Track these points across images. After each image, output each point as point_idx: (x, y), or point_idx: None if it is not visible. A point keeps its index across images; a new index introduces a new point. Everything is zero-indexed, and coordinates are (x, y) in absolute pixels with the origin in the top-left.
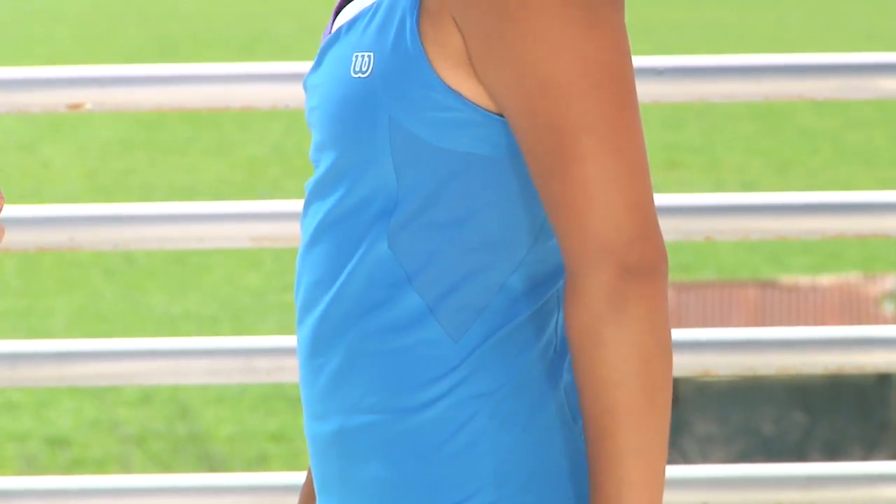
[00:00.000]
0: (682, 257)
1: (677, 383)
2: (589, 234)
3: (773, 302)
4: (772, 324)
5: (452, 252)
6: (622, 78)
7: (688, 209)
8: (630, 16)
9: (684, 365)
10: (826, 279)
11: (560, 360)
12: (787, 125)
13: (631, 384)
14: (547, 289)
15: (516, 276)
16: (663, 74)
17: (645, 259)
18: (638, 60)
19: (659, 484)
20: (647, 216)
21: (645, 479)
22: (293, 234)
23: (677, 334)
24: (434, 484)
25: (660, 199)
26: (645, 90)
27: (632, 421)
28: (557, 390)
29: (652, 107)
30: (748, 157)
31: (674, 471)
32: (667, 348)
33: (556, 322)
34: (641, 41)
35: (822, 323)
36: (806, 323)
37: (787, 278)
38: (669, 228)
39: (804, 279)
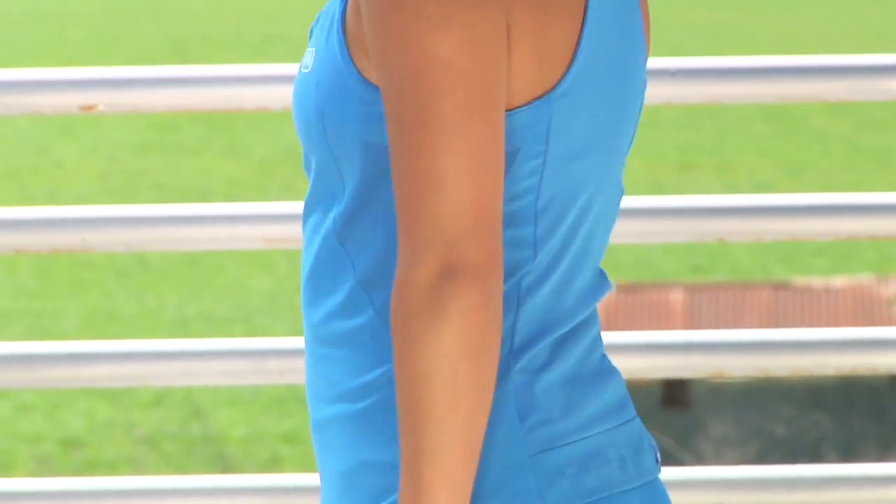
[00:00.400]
0: (694, 259)
1: (691, 384)
2: (416, 230)
3: (786, 303)
4: (785, 325)
5: (390, 245)
6: (469, 79)
7: (701, 210)
8: None
9: (697, 366)
10: (839, 281)
11: (513, 359)
12: (801, 127)
13: (433, 383)
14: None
15: None
16: (676, 76)
17: (467, 260)
18: (652, 62)
19: (456, 487)
20: (475, 219)
21: (439, 482)
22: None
23: (690, 335)
24: (379, 470)
25: (673, 200)
26: (658, 91)
27: (430, 420)
28: (502, 389)
29: (665, 108)
30: (761, 159)
31: (688, 472)
32: (481, 352)
33: (514, 321)
34: (655, 42)
35: (836, 324)
36: (819, 324)
37: (800, 280)
38: (682, 230)
39: (817, 281)
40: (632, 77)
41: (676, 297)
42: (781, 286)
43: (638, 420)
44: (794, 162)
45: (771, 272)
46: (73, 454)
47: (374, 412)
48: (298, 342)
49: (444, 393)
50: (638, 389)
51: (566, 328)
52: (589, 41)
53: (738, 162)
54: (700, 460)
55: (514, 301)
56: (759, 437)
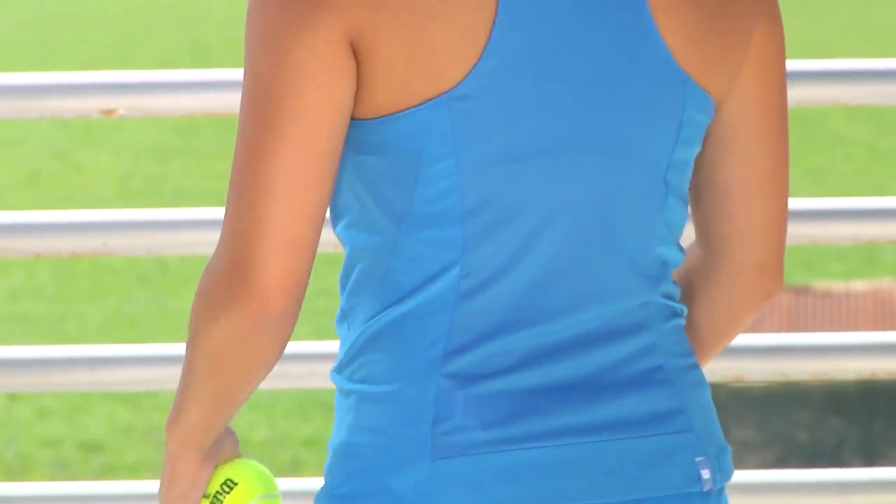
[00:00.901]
0: None
1: (712, 389)
2: (223, 225)
3: (806, 308)
4: (805, 329)
5: (350, 248)
6: (271, 98)
7: None
8: None
9: (718, 370)
10: (859, 285)
11: (440, 363)
12: (820, 131)
13: (193, 358)
14: (429, 284)
15: (387, 270)
16: None
17: (248, 278)
18: None
19: (197, 429)
20: (262, 240)
21: (186, 420)
22: (326, 239)
23: None
24: (330, 465)
25: None
26: None
27: (187, 384)
28: (423, 392)
29: None
30: None
31: None
32: (242, 359)
33: (448, 323)
34: None
35: (856, 328)
36: (839, 328)
37: (820, 284)
38: None
39: (837, 285)
40: (614, 69)
41: None
42: (801, 291)
43: (626, 442)
44: (814, 166)
45: (791, 277)
46: (93, 458)
47: (342, 409)
48: (319, 346)
49: (200, 372)
50: None
51: (515, 341)
52: (504, 40)
53: None
54: None
55: (448, 302)
56: (780, 440)
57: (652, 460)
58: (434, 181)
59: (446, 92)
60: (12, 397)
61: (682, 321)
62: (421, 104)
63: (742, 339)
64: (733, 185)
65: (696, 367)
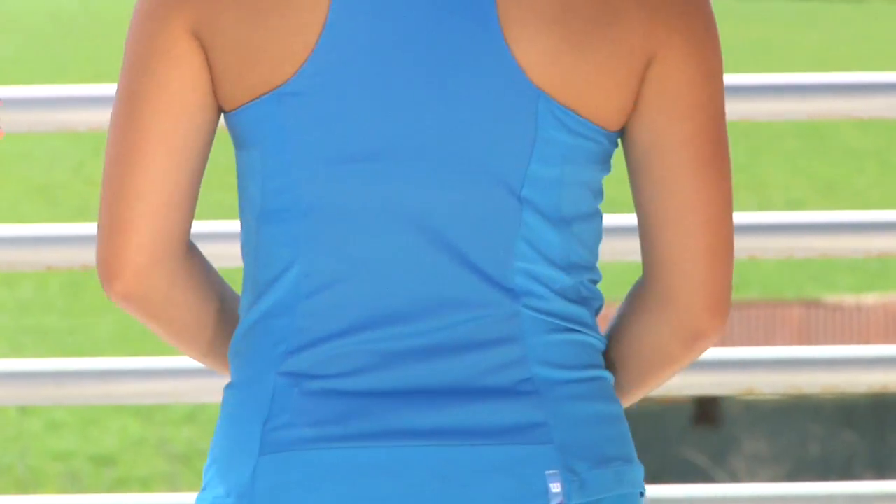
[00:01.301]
0: None
1: (723, 402)
2: None
3: (817, 321)
4: (816, 342)
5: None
6: (124, 95)
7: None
8: None
9: (729, 383)
10: (871, 298)
11: (278, 361)
12: (833, 144)
13: None
14: (276, 282)
15: (251, 268)
16: None
17: (102, 263)
18: None
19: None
20: (110, 232)
21: None
22: None
23: (722, 353)
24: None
25: None
26: None
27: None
28: (260, 389)
29: None
30: (794, 176)
31: (721, 489)
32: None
33: (289, 324)
34: None
35: (867, 341)
36: (850, 341)
37: (831, 297)
38: None
39: (849, 298)
40: (454, 76)
41: None
42: (813, 304)
43: (464, 449)
44: (827, 179)
45: (802, 290)
46: (105, 471)
47: None
48: None
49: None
50: (670, 407)
51: (358, 343)
52: (336, 39)
53: (771, 179)
54: (733, 478)
55: (292, 302)
56: (792, 454)
57: (490, 469)
58: (274, 176)
59: (277, 88)
60: (24, 410)
61: (575, 336)
62: (256, 98)
63: (753, 352)
64: (651, 213)
65: (584, 381)
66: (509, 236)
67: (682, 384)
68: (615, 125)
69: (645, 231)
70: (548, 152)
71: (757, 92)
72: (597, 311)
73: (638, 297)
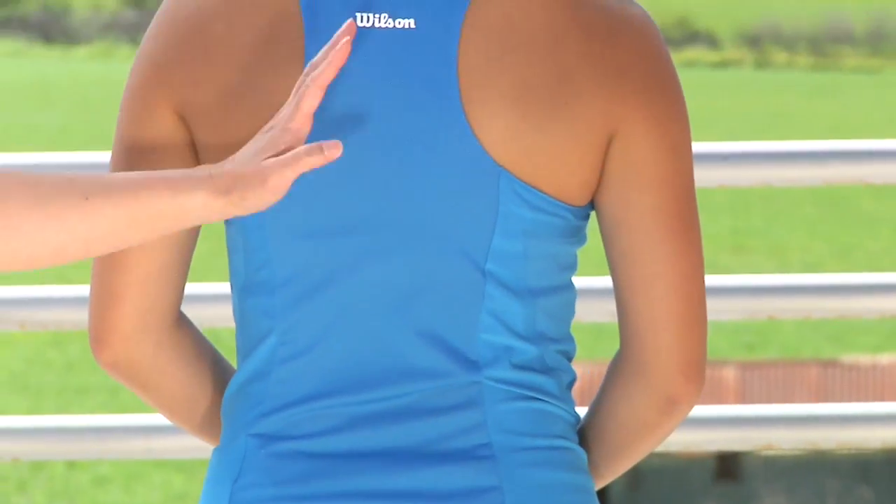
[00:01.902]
0: (746, 337)
1: (743, 458)
2: None
3: (834, 379)
4: (833, 400)
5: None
6: (112, 170)
7: (751, 289)
8: (699, 104)
9: (749, 439)
10: (885, 358)
11: (251, 424)
12: (848, 210)
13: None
14: (255, 349)
15: (238, 336)
16: (729, 160)
17: (91, 331)
18: (705, 146)
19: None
20: (96, 303)
21: None
22: None
23: (742, 410)
24: None
25: (724, 279)
26: (711, 175)
27: None
28: (232, 449)
29: (718, 192)
30: (811, 241)
31: None
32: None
33: (264, 388)
34: (709, 128)
35: (882, 399)
36: (866, 399)
37: (848, 357)
38: (733, 308)
39: (865, 358)
40: (419, 155)
41: (729, 375)
42: (829, 363)
43: None
44: (843, 244)
45: (819, 350)
46: None
47: None
48: None
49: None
50: (693, 463)
51: (326, 407)
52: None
53: (789, 243)
54: None
55: (268, 368)
56: None
57: None
58: (254, 251)
59: None
60: (71, 465)
61: (537, 405)
62: None
63: (772, 409)
64: (622, 282)
65: (544, 449)
66: (474, 308)
67: (704, 440)
68: (580, 200)
69: (618, 300)
70: (510, 227)
71: (775, 158)
72: (568, 385)
73: (615, 365)
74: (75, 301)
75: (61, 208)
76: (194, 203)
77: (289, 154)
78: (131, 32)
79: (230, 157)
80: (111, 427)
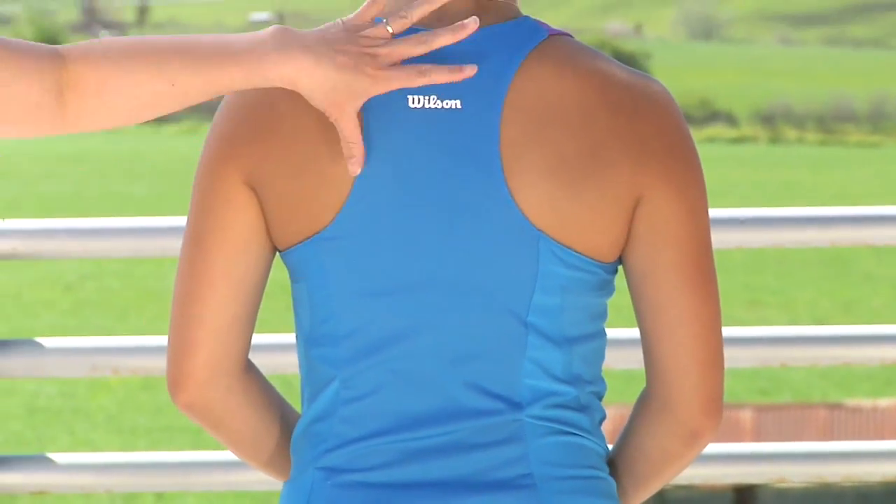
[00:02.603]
0: (760, 383)
1: (758, 490)
2: None
3: (839, 420)
4: (839, 439)
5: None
6: (191, 234)
7: (766, 340)
8: (719, 175)
9: (763, 473)
10: (885, 401)
11: (318, 459)
12: (852, 270)
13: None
14: (320, 394)
15: (303, 381)
16: (745, 224)
17: (169, 376)
18: (723, 212)
19: None
20: (174, 350)
21: None
22: None
23: (758, 447)
24: None
25: (741, 331)
26: (729, 238)
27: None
28: (300, 482)
29: (735, 252)
30: (818, 297)
31: None
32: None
33: (329, 427)
34: (727, 196)
35: (882, 438)
36: (868, 438)
37: (851, 401)
38: (749, 357)
39: (866, 402)
40: (465, 223)
41: (746, 416)
42: (835, 406)
43: None
44: (846, 299)
45: (827, 394)
46: None
47: None
48: None
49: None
50: (713, 494)
51: (384, 443)
52: (365, 193)
53: (799, 299)
54: None
55: (331, 409)
56: None
57: None
58: (319, 306)
59: (317, 233)
60: (159, 496)
61: (573, 439)
62: (301, 242)
63: (784, 447)
64: (648, 329)
65: (580, 479)
66: (517, 356)
67: (723, 474)
68: (610, 257)
69: (644, 345)
70: (549, 284)
71: (786, 223)
72: (600, 421)
73: (642, 403)
74: (161, 349)
75: (153, 95)
76: (278, 73)
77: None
78: (213, 113)
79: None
80: (195, 462)
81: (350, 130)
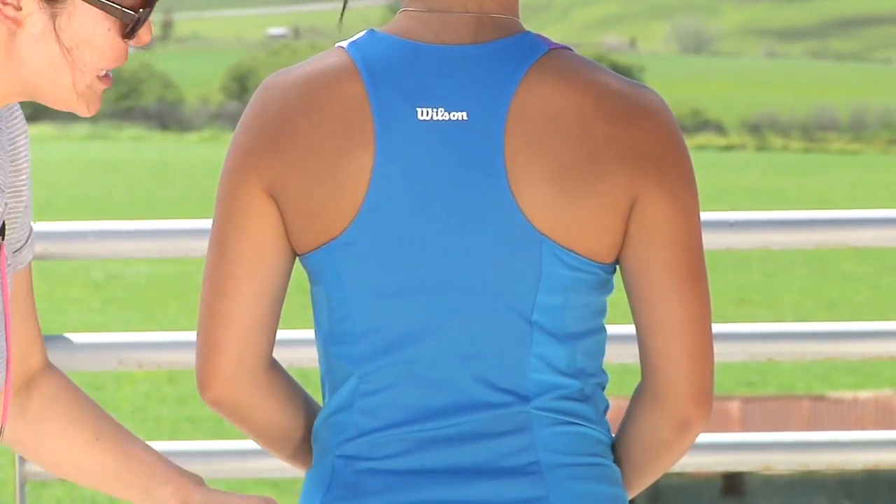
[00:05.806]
0: (747, 376)
1: (746, 477)
2: None
3: (823, 412)
4: (822, 429)
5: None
6: (215, 240)
7: (753, 336)
8: (709, 181)
9: (750, 461)
10: (865, 394)
11: (338, 447)
12: (835, 270)
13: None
14: (339, 388)
15: (322, 376)
16: (734, 226)
17: (199, 377)
18: (713, 215)
19: None
20: (202, 349)
21: None
22: None
23: (745, 437)
24: None
25: (730, 327)
26: (718, 239)
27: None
28: (322, 467)
29: (724, 253)
30: (802, 296)
31: None
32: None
33: (350, 417)
34: (717, 201)
35: (863, 428)
36: (849, 428)
37: (834, 393)
38: (737, 351)
39: (848, 394)
40: (472, 228)
41: (734, 407)
42: (819, 398)
43: None
44: (829, 299)
45: (811, 386)
46: None
47: None
48: None
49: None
50: (703, 482)
51: (401, 433)
52: (378, 201)
53: (784, 298)
54: None
55: (350, 402)
56: None
57: None
58: (337, 308)
59: (333, 239)
60: None
61: (577, 428)
62: (318, 247)
63: (770, 437)
64: (642, 324)
65: (584, 466)
66: (523, 353)
67: (712, 462)
68: (608, 258)
69: (639, 340)
70: (551, 284)
71: (772, 226)
72: (604, 411)
73: (637, 395)
74: (184, 344)
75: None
76: None
77: None
78: (234, 121)
79: (212, 491)
80: (217, 451)
81: None
